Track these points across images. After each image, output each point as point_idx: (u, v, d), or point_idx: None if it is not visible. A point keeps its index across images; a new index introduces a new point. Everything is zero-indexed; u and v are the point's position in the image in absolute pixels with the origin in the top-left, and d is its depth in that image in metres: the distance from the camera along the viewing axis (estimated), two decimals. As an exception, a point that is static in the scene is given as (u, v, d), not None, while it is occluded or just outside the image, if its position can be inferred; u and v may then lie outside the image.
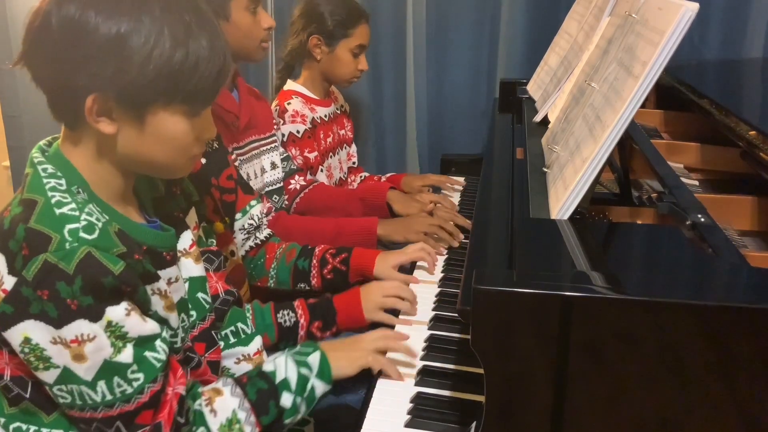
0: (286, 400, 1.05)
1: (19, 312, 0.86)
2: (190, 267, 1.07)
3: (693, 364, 0.86)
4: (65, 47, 0.87)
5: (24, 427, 0.96)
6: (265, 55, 1.72)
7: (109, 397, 0.90)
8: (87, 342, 0.87)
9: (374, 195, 1.91)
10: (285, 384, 1.06)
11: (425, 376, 1.17)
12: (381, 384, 1.16)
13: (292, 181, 1.89)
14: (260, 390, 1.04)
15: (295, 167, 1.90)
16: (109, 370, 0.89)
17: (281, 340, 1.32)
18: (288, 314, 1.33)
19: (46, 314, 0.86)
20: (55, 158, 0.94)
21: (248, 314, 1.30)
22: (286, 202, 1.87)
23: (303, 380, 1.08)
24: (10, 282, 0.87)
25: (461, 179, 2.20)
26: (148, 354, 0.92)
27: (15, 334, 0.88)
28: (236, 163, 1.61)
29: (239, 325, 1.19)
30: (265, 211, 1.58)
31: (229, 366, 1.18)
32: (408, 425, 1.06)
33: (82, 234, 0.87)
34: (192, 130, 0.95)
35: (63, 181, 0.92)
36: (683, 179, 1.45)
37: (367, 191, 1.95)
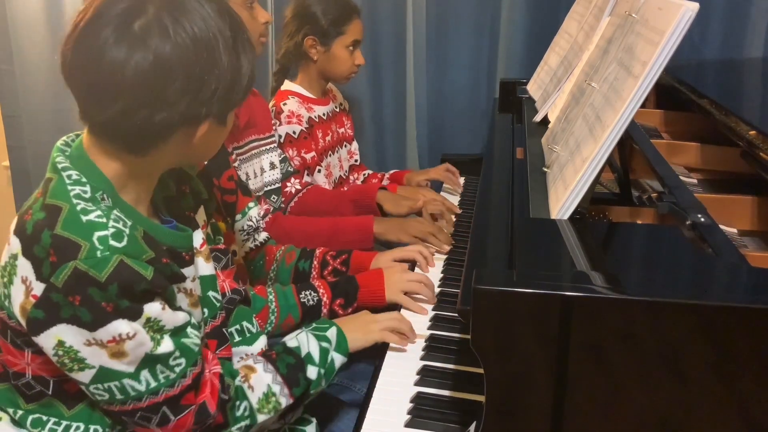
0: (312, 372, 1.11)
1: (51, 317, 0.87)
2: (202, 265, 1.08)
3: (693, 364, 0.86)
4: (192, 80, 0.88)
5: (44, 418, 0.98)
6: (264, 51, 1.72)
7: (153, 384, 0.92)
8: (127, 340, 0.88)
9: (364, 196, 1.92)
10: (309, 357, 1.12)
11: (425, 376, 1.17)
12: (381, 384, 1.16)
13: (288, 184, 1.89)
14: (289, 364, 1.10)
15: (291, 169, 1.91)
16: (151, 361, 0.92)
17: (305, 319, 1.36)
18: (310, 294, 1.37)
19: (79, 318, 0.86)
20: (79, 161, 0.94)
21: (271, 296, 1.35)
22: (283, 204, 1.88)
23: (324, 353, 1.14)
24: (39, 287, 0.87)
25: (461, 179, 2.21)
26: (185, 340, 0.95)
27: (48, 338, 0.88)
28: (236, 164, 1.61)
29: (245, 324, 1.20)
30: (262, 213, 1.58)
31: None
32: (408, 425, 1.06)
33: (112, 242, 0.88)
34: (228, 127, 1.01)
35: (87, 188, 0.91)
36: (683, 179, 1.45)
37: (358, 193, 1.96)
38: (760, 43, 2.26)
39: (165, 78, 0.86)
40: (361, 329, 1.21)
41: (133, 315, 0.88)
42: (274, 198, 1.82)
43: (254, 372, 1.08)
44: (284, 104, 1.96)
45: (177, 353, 0.94)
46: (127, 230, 0.90)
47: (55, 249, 0.87)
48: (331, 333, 1.17)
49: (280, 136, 1.91)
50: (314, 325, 1.19)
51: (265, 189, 1.79)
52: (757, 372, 0.85)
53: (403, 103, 2.56)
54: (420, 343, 1.27)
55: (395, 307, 1.38)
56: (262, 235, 1.56)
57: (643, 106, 1.13)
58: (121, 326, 0.88)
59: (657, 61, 1.05)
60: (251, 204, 1.52)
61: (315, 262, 1.51)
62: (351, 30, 2.00)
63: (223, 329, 1.13)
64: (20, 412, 0.98)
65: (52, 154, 0.95)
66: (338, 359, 1.15)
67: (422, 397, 1.12)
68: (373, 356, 1.24)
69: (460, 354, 1.22)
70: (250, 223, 1.52)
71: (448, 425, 1.06)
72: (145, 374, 0.92)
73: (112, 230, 0.88)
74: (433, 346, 1.25)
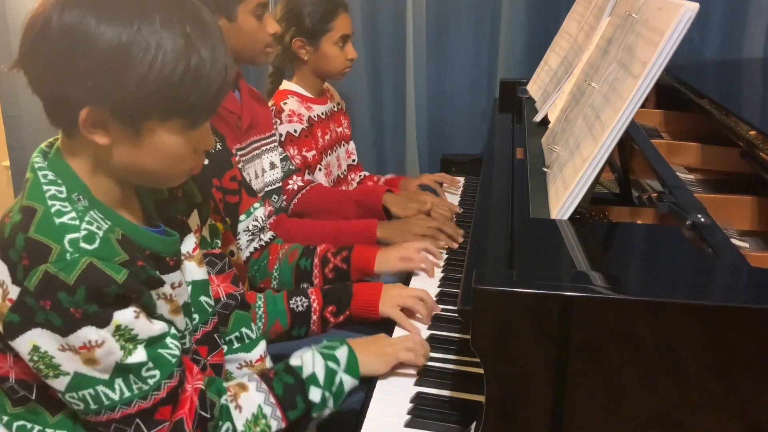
0: (315, 394, 1.07)
1: (26, 321, 0.86)
2: (193, 270, 1.07)
3: (693, 364, 0.86)
4: (63, 57, 0.85)
5: (28, 425, 0.97)
6: (268, 60, 1.73)
7: (127, 394, 0.90)
8: (96, 348, 0.87)
9: (370, 198, 1.91)
10: (313, 378, 1.07)
11: (425, 376, 1.17)
12: (381, 384, 1.16)
13: (290, 182, 1.89)
14: (287, 385, 1.06)
15: (293, 167, 1.91)
16: (123, 371, 0.90)
17: (293, 326, 1.34)
18: (300, 300, 1.34)
19: (51, 323, 0.86)
20: (55, 163, 0.93)
21: (260, 302, 1.32)
22: (285, 203, 1.88)
23: (331, 374, 1.09)
24: (15, 291, 0.87)
25: (461, 179, 2.21)
26: (161, 351, 0.93)
27: (23, 343, 0.88)
28: (239, 165, 1.61)
29: (244, 330, 1.19)
30: (266, 214, 1.58)
31: (231, 370, 1.18)
32: (408, 425, 1.06)
33: (82, 244, 0.86)
34: (188, 143, 0.93)
35: (63, 188, 0.91)
36: (683, 179, 1.45)
37: (364, 193, 1.96)
38: (760, 43, 2.26)
39: (83, 55, 0.84)
40: (375, 351, 1.16)
41: (102, 322, 0.86)
42: (275, 198, 1.82)
43: (245, 391, 1.04)
44: (284, 103, 1.96)
45: (150, 364, 0.91)
46: (100, 232, 0.88)
47: (28, 252, 0.86)
48: (341, 353, 1.12)
49: (281, 135, 1.91)
50: (324, 342, 1.14)
51: (266, 189, 1.79)
52: (757, 372, 0.85)
53: (402, 104, 2.55)
54: (420, 343, 1.27)
55: (389, 321, 1.35)
56: (268, 235, 1.55)
57: (643, 106, 1.13)
58: (89, 333, 0.86)
59: (657, 61, 1.05)
60: (256, 204, 1.52)
61: (316, 260, 1.51)
62: (337, 26, 1.99)
63: (215, 335, 1.11)
64: (6, 418, 0.97)
65: (33, 155, 0.94)
66: (348, 382, 1.10)
67: (422, 397, 1.12)
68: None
69: (460, 354, 1.22)
70: (256, 223, 1.52)
71: (448, 425, 1.06)
72: (119, 383, 0.90)
73: (84, 232, 0.87)
74: (433, 346, 1.25)
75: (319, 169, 2.00)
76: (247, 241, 1.51)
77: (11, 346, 0.90)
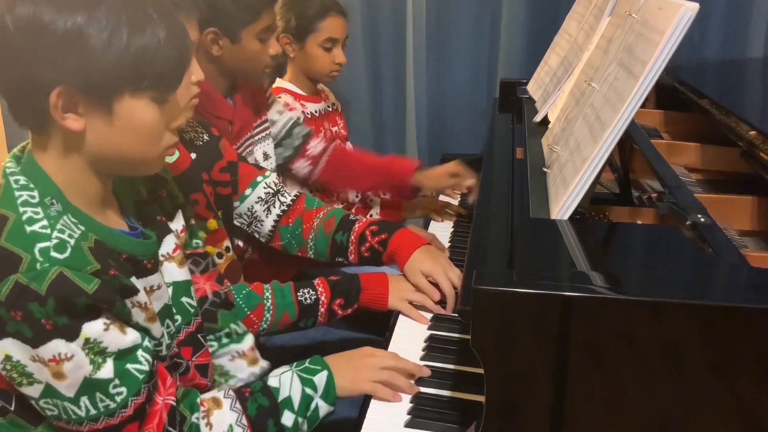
0: (288, 419, 1.04)
1: None
2: (174, 271, 1.06)
3: (693, 364, 0.86)
4: (24, 47, 0.85)
5: None
6: (265, 79, 1.72)
7: (93, 411, 0.89)
8: (65, 361, 0.86)
9: (399, 172, 1.92)
10: (287, 402, 1.05)
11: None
12: (381, 384, 1.16)
13: (309, 146, 1.86)
14: (261, 407, 1.04)
15: (306, 131, 1.86)
16: (91, 386, 0.88)
17: (302, 318, 1.33)
18: (308, 292, 1.34)
19: (22, 334, 0.85)
20: (28, 167, 0.92)
21: (268, 293, 1.32)
22: (310, 167, 1.86)
23: (307, 400, 1.06)
24: None
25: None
26: (129, 366, 0.91)
27: None
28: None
29: (231, 326, 1.19)
30: (279, 181, 1.56)
31: (224, 364, 1.17)
32: (408, 425, 1.06)
33: (53, 253, 0.85)
34: (160, 118, 0.93)
35: (35, 193, 0.90)
36: (683, 179, 1.45)
37: (393, 165, 1.95)
38: (760, 43, 2.26)
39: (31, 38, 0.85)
40: (352, 377, 1.11)
41: (71, 335, 0.85)
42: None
43: (219, 408, 1.02)
44: (279, 98, 1.96)
45: (117, 381, 0.90)
46: (72, 241, 0.88)
47: None
48: (320, 379, 1.08)
49: (285, 124, 1.88)
50: (306, 364, 1.10)
51: None
52: (757, 372, 0.85)
53: (403, 103, 2.56)
54: (420, 343, 1.27)
55: (388, 317, 1.36)
56: (290, 196, 1.52)
57: (643, 106, 1.13)
58: (59, 346, 0.85)
59: (657, 61, 1.05)
60: (267, 173, 1.51)
61: (353, 237, 1.45)
62: (325, 28, 1.99)
63: (199, 335, 1.11)
64: None
65: (5, 161, 0.93)
66: (323, 408, 1.07)
67: (422, 397, 1.12)
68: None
69: (460, 354, 1.22)
70: (268, 189, 1.50)
71: (447, 425, 1.06)
72: (84, 401, 0.89)
73: (55, 241, 0.86)
74: (433, 346, 1.25)
75: None
76: (264, 210, 1.49)
77: None
